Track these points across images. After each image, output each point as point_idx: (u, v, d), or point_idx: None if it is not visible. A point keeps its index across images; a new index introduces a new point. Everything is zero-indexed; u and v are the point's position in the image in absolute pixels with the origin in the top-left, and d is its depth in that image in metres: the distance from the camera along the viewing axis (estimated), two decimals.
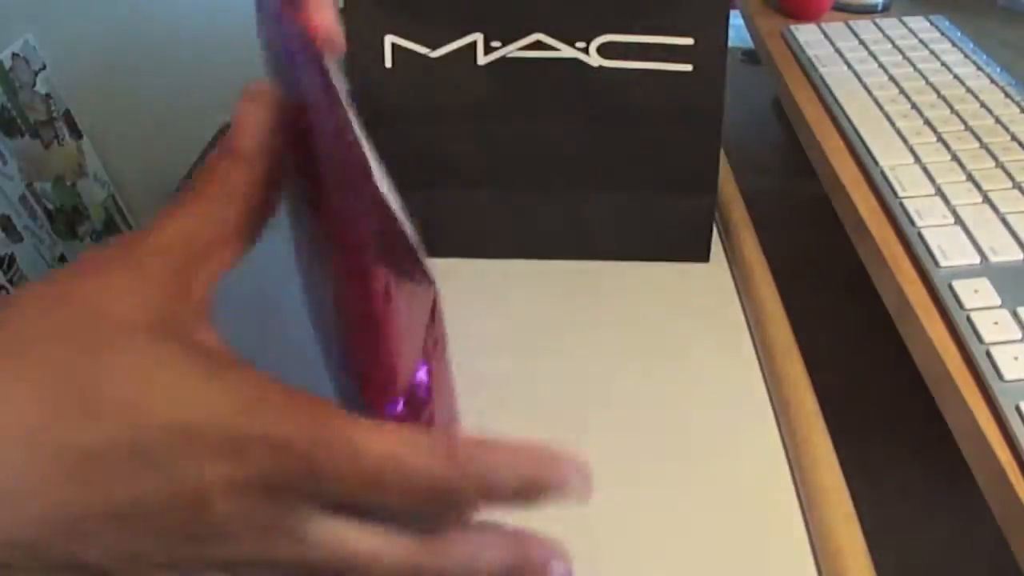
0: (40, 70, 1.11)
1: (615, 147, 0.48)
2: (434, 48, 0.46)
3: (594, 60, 0.46)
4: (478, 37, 0.46)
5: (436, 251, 0.48)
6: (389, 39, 0.46)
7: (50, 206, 1.09)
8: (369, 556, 0.21)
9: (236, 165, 0.23)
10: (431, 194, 0.48)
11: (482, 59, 0.46)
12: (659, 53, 0.46)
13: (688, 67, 0.46)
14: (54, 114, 1.12)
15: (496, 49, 0.46)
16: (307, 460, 0.19)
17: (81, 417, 0.18)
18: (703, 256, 0.49)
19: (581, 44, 0.46)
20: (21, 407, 0.18)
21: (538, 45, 0.46)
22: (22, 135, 1.07)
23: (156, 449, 0.18)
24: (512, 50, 0.46)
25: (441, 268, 0.48)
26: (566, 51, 0.46)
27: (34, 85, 1.10)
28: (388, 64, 0.46)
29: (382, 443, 0.19)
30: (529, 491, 0.21)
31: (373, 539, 0.21)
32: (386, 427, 0.20)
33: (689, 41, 0.46)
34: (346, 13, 0.46)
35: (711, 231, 0.49)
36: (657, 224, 0.49)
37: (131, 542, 0.19)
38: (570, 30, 0.46)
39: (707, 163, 0.48)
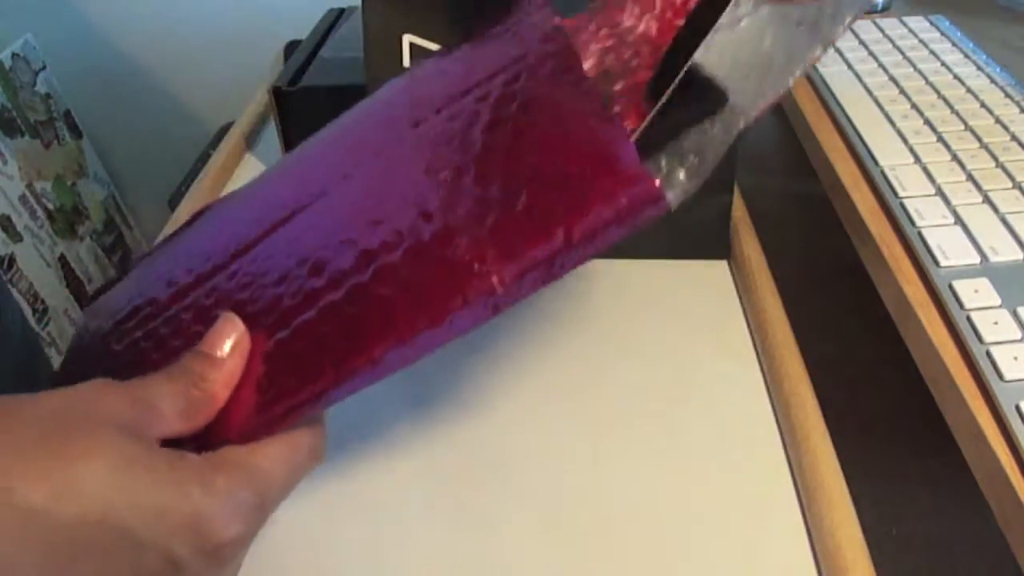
0: (40, 70, 1.11)
1: None
2: None
3: None
4: None
5: None
6: (407, 39, 0.46)
7: (50, 206, 1.09)
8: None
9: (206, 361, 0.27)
10: None
11: None
12: None
13: None
14: (54, 114, 1.12)
15: None
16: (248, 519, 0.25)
17: (67, 503, 0.22)
18: (723, 254, 0.49)
19: None
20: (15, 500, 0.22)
21: None
22: (22, 135, 1.07)
23: (134, 527, 0.23)
24: None
25: None
26: None
27: (34, 85, 1.10)
28: (406, 63, 0.46)
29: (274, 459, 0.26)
30: None
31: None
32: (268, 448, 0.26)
33: None
34: (364, 13, 0.46)
35: (729, 229, 0.49)
36: (676, 223, 0.49)
37: None
38: None
39: (724, 161, 0.47)
